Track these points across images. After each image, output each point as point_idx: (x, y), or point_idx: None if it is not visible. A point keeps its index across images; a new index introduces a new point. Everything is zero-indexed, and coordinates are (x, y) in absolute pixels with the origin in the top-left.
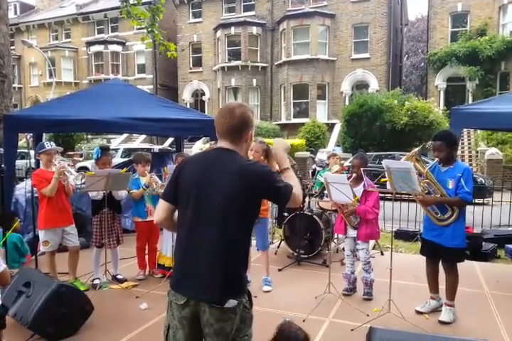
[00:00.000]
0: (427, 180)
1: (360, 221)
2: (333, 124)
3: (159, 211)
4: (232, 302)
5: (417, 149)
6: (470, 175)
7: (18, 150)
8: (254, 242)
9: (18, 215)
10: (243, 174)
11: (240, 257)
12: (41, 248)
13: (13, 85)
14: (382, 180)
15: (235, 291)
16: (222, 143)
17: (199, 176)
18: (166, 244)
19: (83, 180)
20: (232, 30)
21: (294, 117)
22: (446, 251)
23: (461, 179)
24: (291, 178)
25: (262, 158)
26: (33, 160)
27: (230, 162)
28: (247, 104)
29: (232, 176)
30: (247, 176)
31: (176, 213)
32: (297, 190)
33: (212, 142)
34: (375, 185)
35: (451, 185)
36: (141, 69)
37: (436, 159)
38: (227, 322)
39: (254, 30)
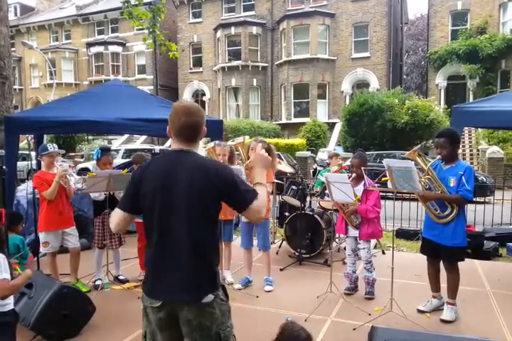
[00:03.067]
0: (428, 176)
1: (362, 220)
2: (334, 124)
3: (117, 221)
4: (208, 297)
5: (419, 145)
6: (472, 173)
7: (19, 152)
8: (255, 242)
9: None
10: (204, 172)
11: (209, 255)
12: (41, 249)
13: (14, 87)
14: (383, 179)
15: (210, 286)
16: (180, 145)
17: (161, 181)
18: None
19: (84, 184)
20: (232, 30)
21: (294, 117)
22: (446, 250)
23: (463, 177)
24: (262, 194)
25: None
26: (34, 162)
27: (190, 162)
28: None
29: (194, 176)
30: (208, 174)
31: None
32: (261, 202)
33: (217, 142)
34: (376, 184)
35: (452, 182)
36: (142, 69)
37: (439, 156)
38: (206, 317)
39: (254, 30)
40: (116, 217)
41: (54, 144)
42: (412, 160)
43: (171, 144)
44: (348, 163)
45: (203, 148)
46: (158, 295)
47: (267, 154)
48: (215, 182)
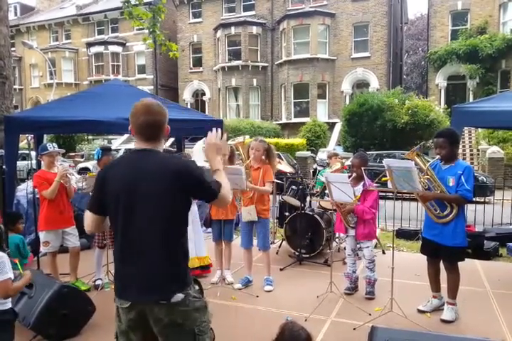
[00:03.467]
0: (427, 176)
1: (358, 220)
2: (334, 123)
3: (88, 222)
4: (178, 297)
5: (418, 146)
6: (471, 173)
7: (19, 152)
8: (255, 242)
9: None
10: (167, 171)
11: (177, 253)
12: (42, 248)
13: (14, 86)
14: (383, 179)
15: (178, 286)
16: (142, 144)
17: (124, 181)
18: None
19: (85, 183)
20: (232, 30)
21: (294, 117)
22: (446, 250)
23: (462, 177)
24: (221, 179)
25: (263, 157)
26: (34, 161)
27: (151, 162)
28: (158, 101)
29: (156, 175)
30: (171, 172)
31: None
32: (226, 189)
33: None
34: (376, 184)
35: (451, 182)
36: (142, 69)
37: (438, 156)
38: (177, 315)
39: (254, 29)
40: (87, 218)
41: (54, 144)
42: (411, 161)
43: (134, 143)
44: (348, 162)
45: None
46: (127, 296)
47: (216, 141)
48: (179, 181)
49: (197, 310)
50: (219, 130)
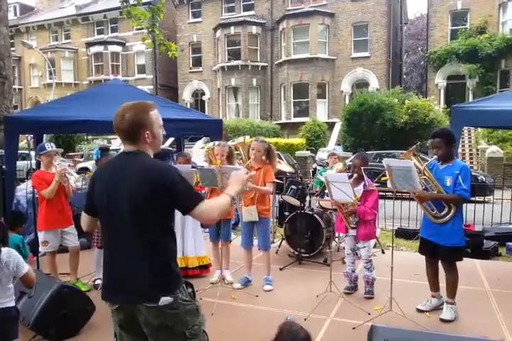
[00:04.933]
0: (424, 177)
1: (359, 221)
2: (334, 123)
3: (84, 223)
4: (165, 300)
5: (414, 146)
6: (468, 172)
7: (19, 152)
8: (256, 242)
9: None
10: (144, 174)
11: (161, 256)
12: (41, 248)
13: (14, 86)
14: (383, 178)
15: (165, 289)
16: (126, 147)
17: (107, 183)
18: None
19: (84, 182)
20: (232, 29)
21: (294, 116)
22: (444, 250)
23: (459, 176)
24: (221, 200)
25: (263, 157)
26: (33, 161)
27: (132, 165)
28: (141, 103)
29: (134, 178)
30: (148, 175)
31: None
32: (211, 207)
33: (217, 142)
34: (376, 184)
35: (449, 182)
36: (141, 69)
37: (435, 156)
38: (166, 318)
39: (254, 29)
40: (83, 217)
41: (52, 143)
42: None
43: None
44: (348, 162)
45: (200, 148)
46: (113, 299)
47: (246, 178)
48: (153, 185)
49: (187, 313)
50: (252, 173)
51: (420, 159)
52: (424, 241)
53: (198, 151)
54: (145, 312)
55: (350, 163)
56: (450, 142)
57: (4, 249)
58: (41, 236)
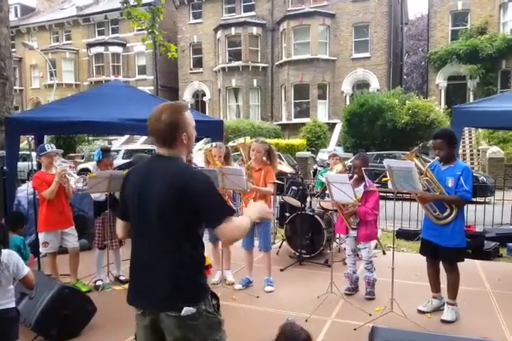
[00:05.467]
0: (426, 178)
1: (360, 222)
2: (334, 124)
3: (118, 228)
4: (188, 310)
5: (416, 147)
6: (470, 174)
7: (20, 152)
8: (256, 242)
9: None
10: (174, 180)
11: (188, 265)
12: (41, 249)
13: (14, 87)
14: (384, 179)
15: (189, 299)
16: (160, 149)
17: (138, 188)
18: None
19: (84, 183)
20: (233, 30)
21: (294, 117)
22: (445, 250)
23: (461, 177)
24: (243, 221)
25: (264, 158)
26: (34, 162)
27: (164, 169)
28: (177, 105)
29: (165, 183)
30: (178, 182)
31: None
32: (235, 226)
33: (214, 144)
34: (377, 185)
35: (450, 183)
36: (142, 70)
37: (437, 157)
38: (187, 329)
39: (255, 30)
40: (117, 224)
41: (52, 144)
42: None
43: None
44: (349, 163)
45: (198, 150)
46: (137, 304)
47: (269, 212)
48: (187, 192)
49: (208, 327)
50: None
51: (422, 160)
52: (426, 242)
53: (198, 152)
54: (166, 321)
55: (351, 164)
56: (452, 143)
57: (4, 251)
58: (41, 237)
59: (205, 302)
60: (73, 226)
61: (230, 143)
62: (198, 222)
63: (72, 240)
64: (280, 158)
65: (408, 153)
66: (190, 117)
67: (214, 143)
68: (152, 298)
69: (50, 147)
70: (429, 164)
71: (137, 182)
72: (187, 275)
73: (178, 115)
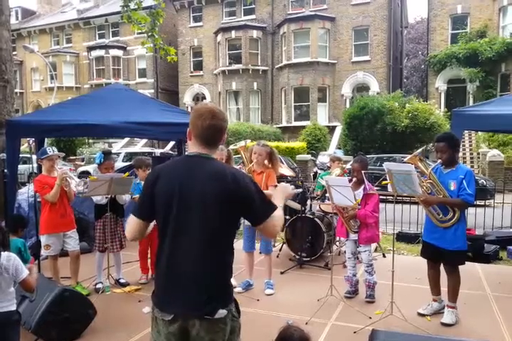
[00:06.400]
0: (429, 180)
1: (361, 224)
2: (334, 127)
3: (132, 229)
4: (221, 313)
5: (420, 149)
6: (472, 177)
7: (20, 155)
8: (257, 245)
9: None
10: (223, 180)
11: (225, 266)
12: (43, 252)
13: (15, 90)
14: (384, 182)
15: (224, 301)
16: (199, 149)
17: (179, 186)
18: None
19: (85, 186)
20: (233, 33)
21: (294, 120)
22: (447, 253)
23: (464, 181)
24: (279, 214)
25: (265, 161)
26: (35, 165)
27: (209, 169)
28: (219, 108)
29: (213, 183)
30: (227, 182)
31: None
32: (276, 221)
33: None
34: (376, 188)
35: (453, 186)
36: (142, 73)
37: (439, 161)
38: (218, 334)
39: (255, 33)
40: (130, 223)
41: (53, 147)
42: (412, 165)
43: (189, 148)
44: (348, 166)
45: None
46: (170, 309)
47: (290, 188)
48: (234, 191)
49: (233, 331)
50: (295, 191)
51: (426, 163)
52: (427, 244)
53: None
54: (198, 326)
55: (350, 167)
56: (455, 146)
57: (4, 254)
58: (43, 239)
59: (232, 305)
60: (75, 229)
61: (231, 147)
62: (238, 223)
63: (73, 243)
64: (280, 160)
65: (410, 156)
66: None
67: None
68: (188, 300)
69: (51, 150)
70: (431, 167)
71: (177, 180)
72: (225, 277)
73: (225, 119)
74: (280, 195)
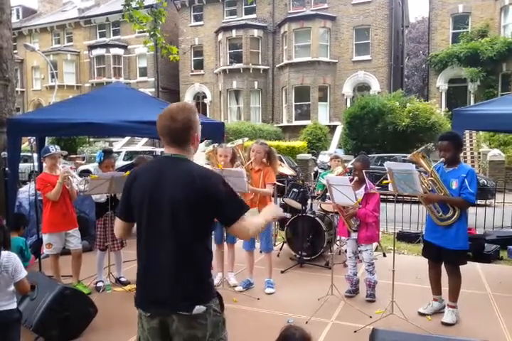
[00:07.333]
0: (431, 178)
1: (360, 224)
2: (335, 126)
3: (117, 228)
4: (199, 309)
5: (423, 147)
6: (474, 176)
7: (21, 154)
8: (257, 244)
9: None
10: (189, 180)
11: (200, 266)
12: (44, 250)
13: (16, 89)
14: (384, 181)
15: (201, 298)
16: (170, 150)
17: (150, 188)
18: None
19: (86, 185)
20: (234, 33)
21: (295, 119)
22: (448, 253)
23: (466, 180)
24: (258, 220)
25: (264, 159)
26: (36, 164)
27: (177, 169)
28: (189, 105)
29: (182, 186)
30: (195, 183)
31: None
32: (250, 224)
33: (216, 144)
34: (377, 187)
35: (454, 185)
36: (143, 72)
37: (442, 159)
38: (196, 329)
39: (256, 32)
40: (117, 224)
41: (56, 146)
42: (415, 162)
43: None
44: (349, 165)
45: (202, 152)
46: (148, 307)
47: (281, 211)
48: (202, 192)
49: (215, 326)
50: (283, 214)
51: (428, 161)
52: (428, 244)
53: (199, 154)
54: (177, 321)
55: (352, 166)
56: (458, 145)
57: (4, 253)
58: (45, 238)
59: (213, 300)
60: (77, 228)
61: (229, 145)
62: (212, 222)
63: (75, 242)
64: (281, 160)
65: (414, 152)
66: (198, 119)
67: (216, 144)
68: (164, 298)
69: (54, 148)
70: (433, 165)
71: (148, 182)
72: (198, 275)
73: (193, 115)
74: (270, 213)
